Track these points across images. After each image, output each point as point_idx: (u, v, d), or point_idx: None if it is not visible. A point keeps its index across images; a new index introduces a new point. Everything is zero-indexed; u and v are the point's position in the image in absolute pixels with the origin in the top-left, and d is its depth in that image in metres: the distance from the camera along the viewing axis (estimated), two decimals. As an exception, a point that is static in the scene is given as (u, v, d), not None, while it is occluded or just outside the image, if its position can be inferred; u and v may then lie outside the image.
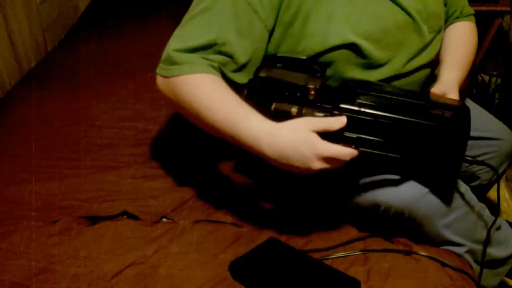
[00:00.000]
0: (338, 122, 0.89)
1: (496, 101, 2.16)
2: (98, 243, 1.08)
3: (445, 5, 1.21)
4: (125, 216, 1.17)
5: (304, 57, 1.02)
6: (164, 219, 1.16)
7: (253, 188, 1.21)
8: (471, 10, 1.27)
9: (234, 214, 1.16)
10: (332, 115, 0.90)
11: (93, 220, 1.16)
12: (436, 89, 1.07)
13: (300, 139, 0.87)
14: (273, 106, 0.95)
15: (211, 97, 0.95)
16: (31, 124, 1.53)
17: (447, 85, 1.08)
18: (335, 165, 0.89)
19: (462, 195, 1.06)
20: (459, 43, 1.21)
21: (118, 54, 1.95)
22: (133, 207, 1.17)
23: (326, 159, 0.88)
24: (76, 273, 1.01)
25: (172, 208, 1.18)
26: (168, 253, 1.05)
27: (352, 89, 0.95)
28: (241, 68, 1.01)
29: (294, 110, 0.93)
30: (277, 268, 0.98)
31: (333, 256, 1.03)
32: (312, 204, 1.15)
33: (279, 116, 0.93)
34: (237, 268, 1.00)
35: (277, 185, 1.17)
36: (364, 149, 0.91)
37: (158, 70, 1.02)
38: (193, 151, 1.08)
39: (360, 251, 1.05)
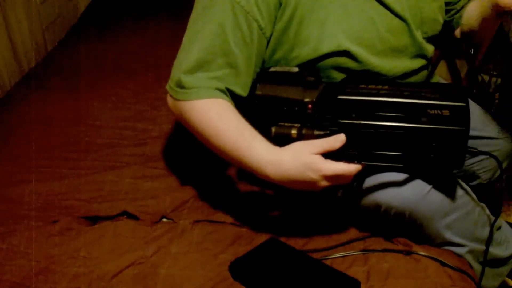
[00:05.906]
0: (337, 141, 0.90)
1: (496, 101, 2.16)
2: (98, 243, 1.08)
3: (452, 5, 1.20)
4: (125, 216, 1.17)
5: (297, 69, 1.02)
6: (164, 219, 1.16)
7: (257, 195, 1.21)
8: None
9: (234, 214, 1.16)
10: (332, 131, 0.91)
11: (93, 220, 1.16)
12: None
13: (304, 164, 0.89)
14: (273, 130, 0.96)
15: (216, 126, 0.97)
16: (31, 124, 1.52)
17: None
18: (342, 181, 0.92)
19: (462, 195, 1.06)
20: None
21: (118, 54, 1.95)
22: (133, 207, 1.17)
23: (332, 177, 0.90)
24: (76, 273, 1.01)
25: (172, 208, 1.18)
26: (168, 253, 1.05)
27: (349, 96, 0.95)
28: (245, 78, 1.01)
29: (294, 132, 0.94)
30: (277, 268, 0.98)
31: (333, 256, 1.03)
32: (312, 204, 1.15)
33: (280, 139, 0.94)
34: (237, 268, 1.00)
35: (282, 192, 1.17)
36: (367, 163, 0.92)
37: (167, 88, 1.03)
38: (202, 152, 1.08)
39: (360, 251, 1.05)
